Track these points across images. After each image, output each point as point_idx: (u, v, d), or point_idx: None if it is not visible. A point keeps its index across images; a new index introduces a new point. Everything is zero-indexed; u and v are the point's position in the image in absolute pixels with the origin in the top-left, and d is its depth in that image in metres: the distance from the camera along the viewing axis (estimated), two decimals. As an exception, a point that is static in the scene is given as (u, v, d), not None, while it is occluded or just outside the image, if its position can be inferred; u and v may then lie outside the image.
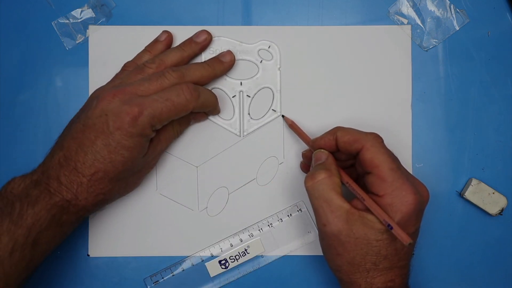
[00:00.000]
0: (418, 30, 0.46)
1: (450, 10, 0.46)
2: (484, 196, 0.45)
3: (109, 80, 0.43)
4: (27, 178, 0.38)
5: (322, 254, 0.40)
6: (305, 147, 0.44)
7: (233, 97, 0.46)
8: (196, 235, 0.46)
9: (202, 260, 0.45)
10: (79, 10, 0.46)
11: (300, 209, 0.46)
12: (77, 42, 0.46)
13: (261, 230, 0.46)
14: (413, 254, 0.39)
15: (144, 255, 0.46)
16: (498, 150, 0.46)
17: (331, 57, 0.46)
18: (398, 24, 0.46)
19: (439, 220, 0.46)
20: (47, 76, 0.46)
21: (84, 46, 0.46)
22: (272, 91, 0.46)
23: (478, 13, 0.46)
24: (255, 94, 0.46)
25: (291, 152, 0.46)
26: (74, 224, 0.39)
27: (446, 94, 0.46)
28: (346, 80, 0.46)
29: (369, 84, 0.46)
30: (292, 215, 0.46)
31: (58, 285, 0.45)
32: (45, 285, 0.45)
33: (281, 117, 0.46)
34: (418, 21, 0.46)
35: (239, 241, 0.46)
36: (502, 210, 0.45)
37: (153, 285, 0.45)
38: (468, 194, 0.45)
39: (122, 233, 0.45)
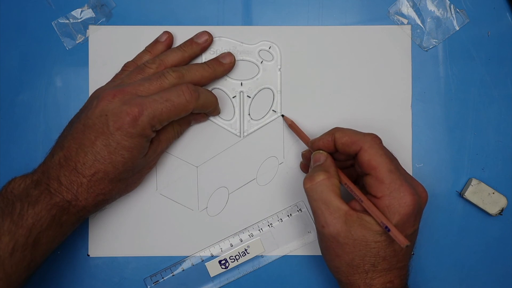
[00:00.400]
0: (418, 30, 0.46)
1: (450, 10, 0.46)
2: (484, 196, 0.45)
3: (109, 80, 0.43)
4: (28, 178, 0.38)
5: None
6: (305, 147, 0.44)
7: (233, 97, 0.46)
8: (196, 235, 0.46)
9: (202, 260, 0.45)
10: (79, 10, 0.46)
11: (300, 209, 0.46)
12: (77, 42, 0.46)
13: (261, 230, 0.46)
14: (413, 254, 0.39)
15: (144, 255, 0.46)
16: (498, 150, 0.46)
17: (331, 57, 0.46)
18: (398, 24, 0.46)
19: (439, 220, 0.46)
20: (47, 76, 0.46)
21: (84, 46, 0.46)
22: (273, 92, 0.46)
23: (478, 13, 0.46)
24: (256, 94, 0.46)
25: (291, 152, 0.46)
26: (74, 225, 0.39)
27: (446, 94, 0.46)
28: (346, 80, 0.46)
29: (369, 84, 0.46)
30: (292, 215, 0.46)
31: (58, 285, 0.45)
32: (45, 285, 0.45)
33: (281, 117, 0.46)
34: (418, 21, 0.46)
35: (239, 241, 0.46)
36: (502, 210, 0.45)
37: (153, 285, 0.46)
38: (468, 194, 0.45)
39: (122, 233, 0.45)
